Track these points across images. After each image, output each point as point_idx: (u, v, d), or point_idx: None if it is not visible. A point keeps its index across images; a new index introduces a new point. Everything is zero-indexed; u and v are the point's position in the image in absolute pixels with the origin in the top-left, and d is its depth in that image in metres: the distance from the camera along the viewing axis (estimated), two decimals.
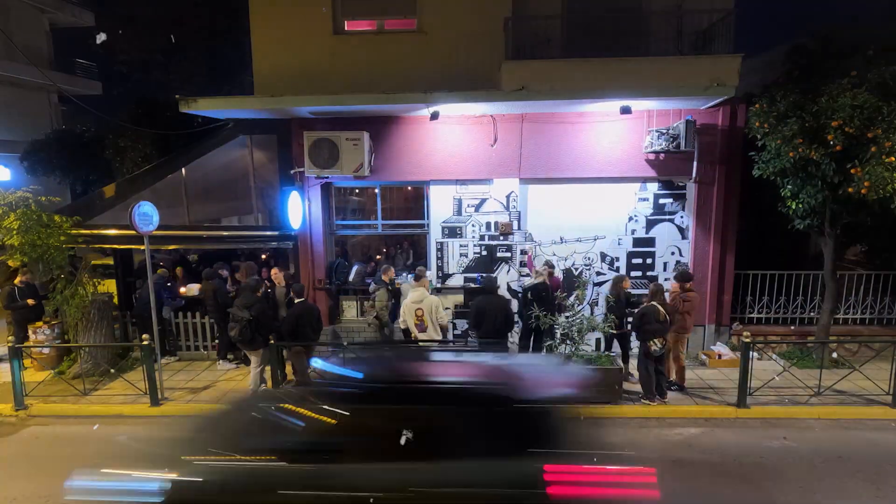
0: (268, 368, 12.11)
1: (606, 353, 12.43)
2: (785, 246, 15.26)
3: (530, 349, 12.49)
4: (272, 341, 11.68)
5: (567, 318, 11.98)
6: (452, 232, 14.29)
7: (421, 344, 11.62)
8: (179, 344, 14.74)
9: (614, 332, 12.34)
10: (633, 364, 12.84)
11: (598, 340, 13.89)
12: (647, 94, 12.10)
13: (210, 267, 14.69)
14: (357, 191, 15.20)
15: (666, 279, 14.01)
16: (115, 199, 15.16)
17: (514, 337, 13.01)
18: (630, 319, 12.34)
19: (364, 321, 14.12)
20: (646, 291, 12.66)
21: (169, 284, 14.83)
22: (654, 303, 11.53)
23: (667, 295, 12.20)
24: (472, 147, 13.85)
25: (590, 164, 13.74)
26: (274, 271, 13.41)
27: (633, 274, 14.13)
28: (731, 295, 14.14)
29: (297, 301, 11.89)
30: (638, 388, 12.09)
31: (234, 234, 15.04)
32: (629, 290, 12.96)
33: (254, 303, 11.65)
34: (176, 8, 28.11)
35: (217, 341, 14.14)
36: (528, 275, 14.00)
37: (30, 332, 13.98)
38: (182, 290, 14.97)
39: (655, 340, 11.45)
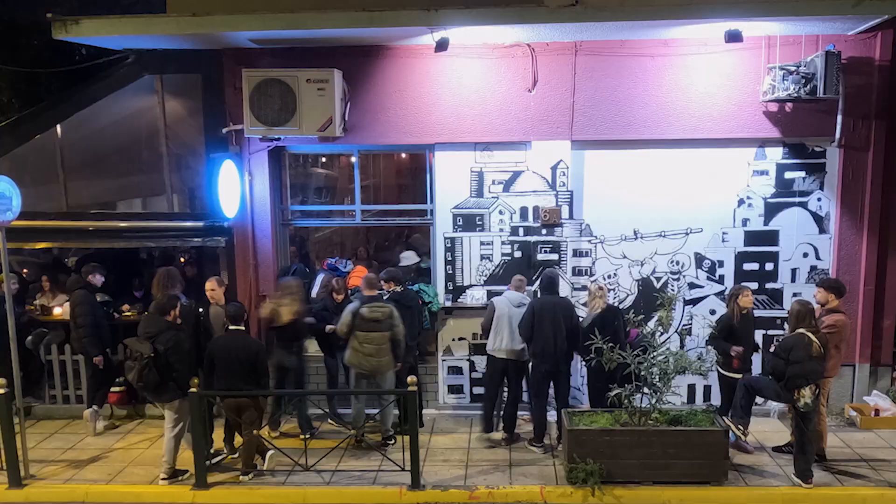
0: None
1: (706, 407, 12.55)
2: None
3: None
4: (195, 388, 11.51)
5: (643, 354, 11.81)
6: (469, 222, 14.33)
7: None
8: (53, 394, 14.84)
9: (731, 373, 12.22)
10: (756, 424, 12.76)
11: (690, 387, 14.10)
12: (766, 9, 11.91)
13: (77, 272, 14.82)
14: (324, 160, 15.54)
15: (794, 294, 13.88)
16: None
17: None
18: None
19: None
20: (773, 314, 12.28)
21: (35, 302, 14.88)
22: (801, 330, 11.23)
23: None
24: (500, 93, 13.83)
25: (678, 120, 13.71)
26: (211, 284, 13.22)
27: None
28: (895, 320, 14.00)
29: (229, 328, 11.99)
30: (753, 459, 12.19)
31: (136, 226, 14.95)
32: (751, 310, 12.75)
33: (161, 331, 11.49)
34: None
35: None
36: (582, 288, 14.11)
37: None
38: (56, 311, 15.03)
39: (806, 389, 11.14)
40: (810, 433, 11.40)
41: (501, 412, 13.27)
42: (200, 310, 12.93)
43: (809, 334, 11.11)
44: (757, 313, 13.42)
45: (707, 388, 13.95)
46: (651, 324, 12.43)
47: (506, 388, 13.15)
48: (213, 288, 13.05)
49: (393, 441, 12.84)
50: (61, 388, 14.67)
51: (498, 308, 12.84)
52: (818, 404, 11.44)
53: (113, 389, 14.24)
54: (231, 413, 11.93)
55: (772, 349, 11.67)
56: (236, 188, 13.90)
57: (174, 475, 11.77)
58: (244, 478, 11.81)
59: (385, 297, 13.04)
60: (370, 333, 12.44)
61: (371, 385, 12.89)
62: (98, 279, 14.31)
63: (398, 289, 13.19)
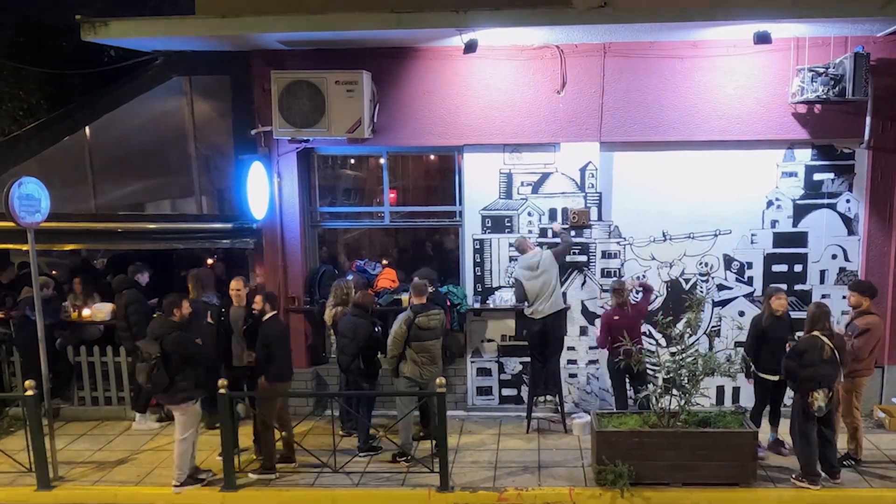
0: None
1: (735, 408, 12.40)
2: None
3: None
4: (224, 389, 11.52)
5: (673, 355, 11.86)
6: (498, 224, 14.31)
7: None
8: (82, 396, 14.76)
9: (769, 377, 12.15)
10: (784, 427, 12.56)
11: (719, 389, 14.03)
12: (795, 11, 11.90)
13: (123, 272, 14.63)
14: (353, 161, 15.47)
15: (823, 296, 13.86)
16: None
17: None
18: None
19: None
20: (802, 316, 12.35)
21: (65, 303, 14.86)
22: (815, 333, 11.15)
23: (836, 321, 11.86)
24: (529, 95, 13.77)
25: (707, 121, 13.67)
26: (237, 284, 13.12)
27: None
28: None
29: (269, 315, 12.01)
30: (786, 461, 11.98)
31: (164, 228, 14.89)
32: (786, 313, 12.58)
33: (166, 332, 11.43)
34: None
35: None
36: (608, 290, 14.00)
37: None
38: (86, 312, 14.93)
39: (819, 392, 11.01)
40: (829, 433, 11.34)
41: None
42: (223, 309, 12.99)
43: (823, 338, 11.05)
44: (798, 316, 13.15)
45: (736, 390, 13.93)
46: (680, 325, 12.29)
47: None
48: (239, 288, 12.99)
49: (407, 458, 12.49)
50: (90, 390, 14.66)
51: (520, 277, 13.23)
52: (832, 407, 11.30)
53: None
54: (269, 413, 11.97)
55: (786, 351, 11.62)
56: (265, 190, 13.88)
57: (190, 482, 11.66)
58: (270, 476, 11.87)
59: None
60: (426, 342, 12.29)
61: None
62: (144, 278, 14.42)
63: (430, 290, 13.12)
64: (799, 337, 11.58)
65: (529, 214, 14.10)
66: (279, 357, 11.83)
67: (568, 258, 13.99)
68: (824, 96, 12.79)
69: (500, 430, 13.68)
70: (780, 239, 13.99)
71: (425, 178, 15.54)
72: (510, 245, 14.14)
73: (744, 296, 14.03)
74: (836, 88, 12.66)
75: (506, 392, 14.49)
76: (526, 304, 13.32)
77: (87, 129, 15.10)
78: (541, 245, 13.88)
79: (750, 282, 14.06)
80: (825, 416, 11.19)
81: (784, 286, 13.34)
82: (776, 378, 12.07)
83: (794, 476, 11.47)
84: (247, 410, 12.50)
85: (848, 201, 13.82)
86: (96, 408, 14.65)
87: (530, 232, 14.09)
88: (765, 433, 12.38)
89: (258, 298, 12.36)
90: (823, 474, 11.38)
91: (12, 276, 16.10)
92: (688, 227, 14.03)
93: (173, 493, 11.57)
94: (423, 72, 13.80)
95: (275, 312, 12.06)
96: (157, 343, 11.29)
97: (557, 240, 13.87)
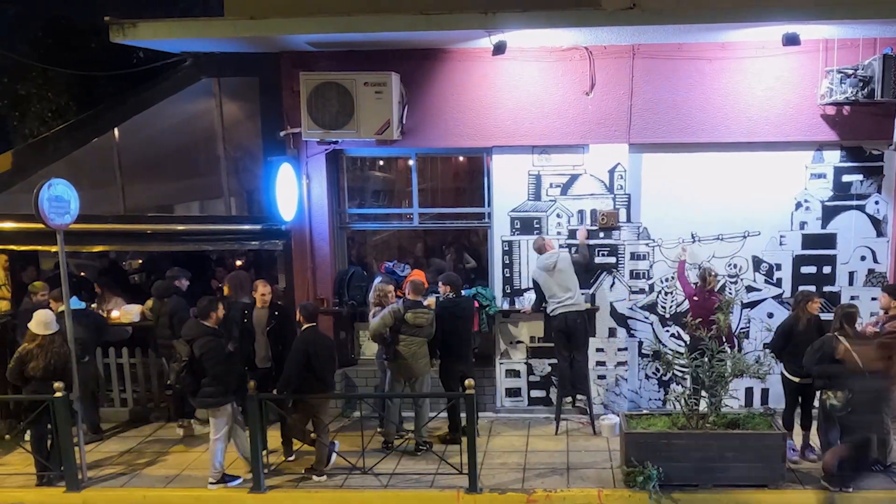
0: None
1: (764, 410, 12.36)
2: None
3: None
4: (252, 391, 11.57)
5: (702, 356, 11.80)
6: (526, 225, 14.28)
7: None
8: (110, 397, 14.78)
9: (800, 379, 12.05)
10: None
11: (748, 390, 14.06)
12: (824, 12, 11.93)
13: (161, 278, 14.63)
14: (381, 163, 15.52)
15: (852, 297, 13.82)
16: (11, 175, 15.14)
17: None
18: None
19: None
20: (830, 318, 12.28)
21: (94, 306, 14.86)
22: (836, 334, 11.28)
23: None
24: (557, 96, 13.75)
25: (735, 123, 13.65)
26: (264, 288, 13.16)
27: (801, 289, 13.61)
28: None
29: (305, 327, 11.88)
30: (816, 465, 11.93)
31: (193, 230, 14.97)
32: (818, 315, 12.49)
33: (199, 335, 11.49)
34: None
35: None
36: (639, 291, 14.15)
37: None
38: (115, 314, 14.92)
39: (833, 392, 11.11)
40: (852, 438, 11.24)
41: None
42: (246, 311, 13.01)
43: (841, 338, 11.11)
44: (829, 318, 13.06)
45: (765, 392, 13.92)
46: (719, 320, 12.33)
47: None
48: (265, 292, 13.02)
49: (426, 448, 12.74)
50: (119, 392, 14.70)
51: (536, 278, 13.42)
52: (847, 409, 11.14)
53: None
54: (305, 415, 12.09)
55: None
56: (294, 191, 13.90)
57: (222, 480, 11.77)
58: (319, 478, 11.92)
59: (439, 300, 13.12)
60: (410, 338, 12.51)
61: (408, 389, 12.97)
62: (184, 283, 14.46)
63: (452, 294, 13.12)
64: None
65: (558, 216, 14.10)
66: (319, 370, 11.84)
67: (597, 259, 14.05)
68: (853, 98, 12.75)
69: (529, 432, 13.69)
70: (809, 240, 13.97)
71: (454, 179, 15.54)
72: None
73: (772, 297, 14.01)
74: (865, 90, 12.61)
75: (535, 394, 14.50)
76: (544, 304, 13.44)
77: (116, 131, 15.06)
78: (569, 248, 13.95)
79: (779, 283, 14.04)
80: (848, 421, 11.13)
81: (811, 288, 13.40)
82: (798, 379, 12.06)
83: (820, 478, 11.45)
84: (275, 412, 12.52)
85: (877, 203, 13.80)
86: (125, 409, 14.68)
87: (559, 234, 14.10)
88: (798, 436, 12.39)
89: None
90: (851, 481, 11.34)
91: (34, 276, 16.16)
92: (716, 228, 14.01)
93: (209, 489, 11.72)
94: (452, 73, 13.82)
95: (312, 325, 11.98)
96: (188, 345, 11.38)
97: (587, 241, 13.97)
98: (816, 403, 12.01)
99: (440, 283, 13.23)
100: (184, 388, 11.65)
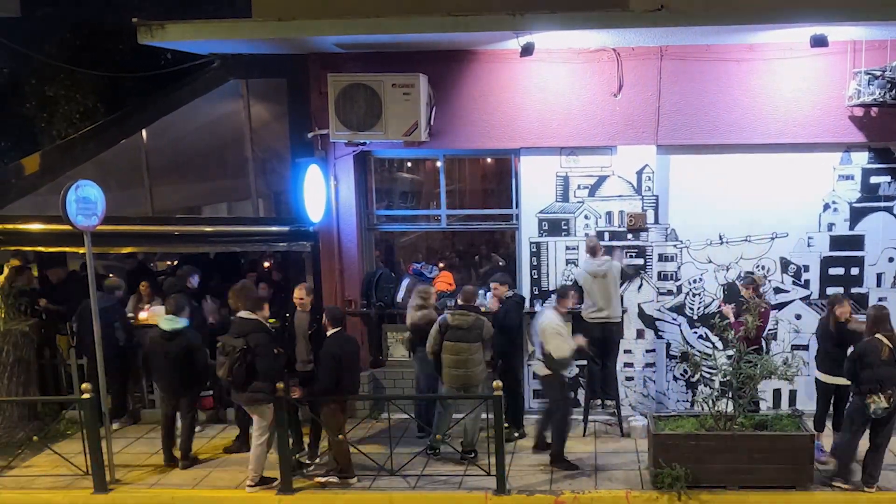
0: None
1: (792, 411, 12.34)
2: None
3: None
4: (280, 392, 11.58)
5: (729, 358, 11.94)
6: (554, 227, 14.30)
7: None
8: (139, 396, 14.86)
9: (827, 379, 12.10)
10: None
11: (776, 392, 14.01)
12: (852, 14, 11.96)
13: (172, 275, 14.86)
14: (409, 164, 15.55)
15: (880, 299, 13.73)
16: (39, 177, 15.21)
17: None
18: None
19: None
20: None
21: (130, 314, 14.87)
22: (878, 336, 11.17)
23: None
24: (585, 98, 13.76)
25: (763, 124, 13.62)
26: (301, 293, 12.99)
27: (829, 292, 13.85)
28: None
29: (331, 333, 11.81)
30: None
31: (221, 231, 15.06)
32: (850, 320, 12.36)
33: (251, 331, 11.48)
34: None
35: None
36: (667, 293, 14.19)
37: None
38: (142, 315, 14.98)
39: (879, 395, 11.00)
40: (881, 441, 11.31)
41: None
42: (286, 314, 13.02)
43: (884, 339, 11.06)
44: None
45: (793, 393, 13.91)
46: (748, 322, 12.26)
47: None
48: (302, 297, 12.86)
49: (473, 455, 12.65)
50: (147, 393, 14.74)
51: (578, 279, 13.53)
52: (890, 409, 11.13)
53: (203, 394, 14.06)
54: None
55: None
56: (322, 193, 13.94)
57: (262, 482, 11.77)
58: (333, 479, 11.92)
59: (507, 298, 13.18)
60: (455, 343, 12.31)
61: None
62: (194, 282, 14.52)
63: (510, 292, 13.24)
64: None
65: (586, 217, 14.11)
66: (347, 376, 11.82)
67: (624, 260, 14.07)
68: (881, 99, 12.69)
69: None
70: (837, 242, 13.94)
71: (482, 181, 15.58)
72: (567, 248, 14.22)
73: (800, 299, 14.01)
74: (893, 91, 12.54)
75: None
76: (581, 306, 13.44)
77: (144, 132, 15.19)
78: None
79: (806, 285, 14.03)
80: (881, 421, 11.17)
81: (839, 289, 13.50)
82: (830, 380, 12.08)
83: (832, 476, 11.59)
84: (305, 414, 12.55)
85: None
86: (153, 410, 14.50)
87: (587, 235, 14.09)
88: (827, 437, 12.42)
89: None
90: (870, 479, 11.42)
91: (61, 276, 16.24)
92: (744, 230, 13.99)
93: (238, 491, 11.79)
94: (480, 74, 13.84)
95: (338, 329, 11.89)
96: (242, 339, 11.31)
97: (615, 243, 14.03)
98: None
99: (496, 284, 13.22)
100: (236, 381, 11.42)
